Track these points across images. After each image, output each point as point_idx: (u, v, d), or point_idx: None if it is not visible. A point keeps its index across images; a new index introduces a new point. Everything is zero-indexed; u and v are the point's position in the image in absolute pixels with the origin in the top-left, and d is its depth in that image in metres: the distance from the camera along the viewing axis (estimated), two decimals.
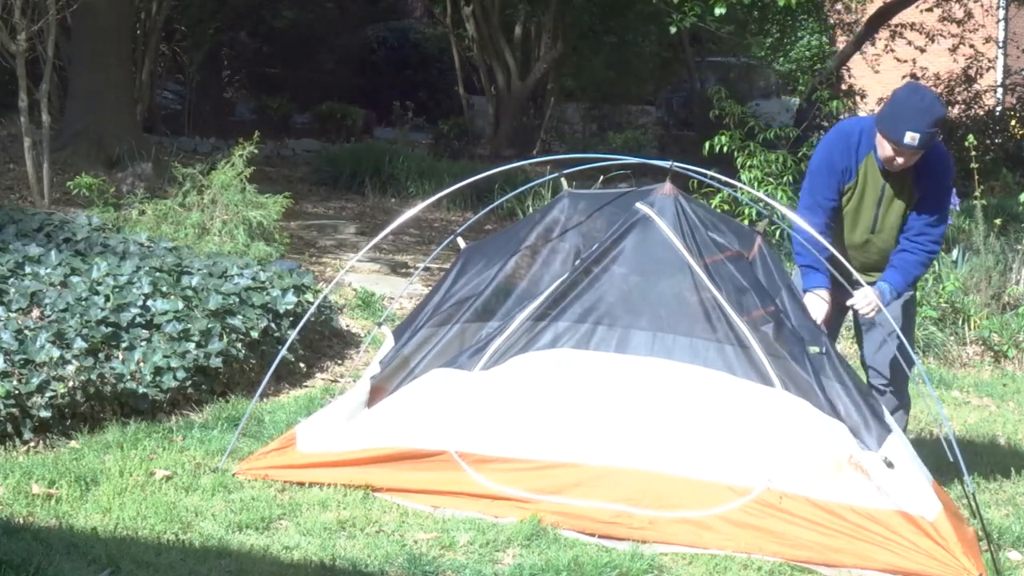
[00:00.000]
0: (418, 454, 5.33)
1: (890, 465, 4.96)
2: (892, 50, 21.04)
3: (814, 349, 5.30)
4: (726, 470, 5.10)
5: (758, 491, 5.03)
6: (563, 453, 5.25)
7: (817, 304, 5.56)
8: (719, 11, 10.17)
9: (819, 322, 5.47)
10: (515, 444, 5.28)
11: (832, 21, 23.29)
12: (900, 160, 5.43)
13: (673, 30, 10.29)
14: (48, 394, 5.76)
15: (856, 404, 5.18)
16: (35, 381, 5.73)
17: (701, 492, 5.08)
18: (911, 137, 5.29)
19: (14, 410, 5.63)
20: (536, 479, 5.23)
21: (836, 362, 5.27)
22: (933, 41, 21.03)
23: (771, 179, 9.51)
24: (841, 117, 18.73)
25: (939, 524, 4.90)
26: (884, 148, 5.45)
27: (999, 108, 20.46)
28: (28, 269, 6.72)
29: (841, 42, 23.11)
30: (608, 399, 5.30)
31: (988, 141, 17.86)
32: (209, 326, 6.71)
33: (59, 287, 6.57)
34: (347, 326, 8.45)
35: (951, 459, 5.07)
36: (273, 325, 7.22)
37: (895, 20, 20.70)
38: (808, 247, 5.53)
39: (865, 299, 5.47)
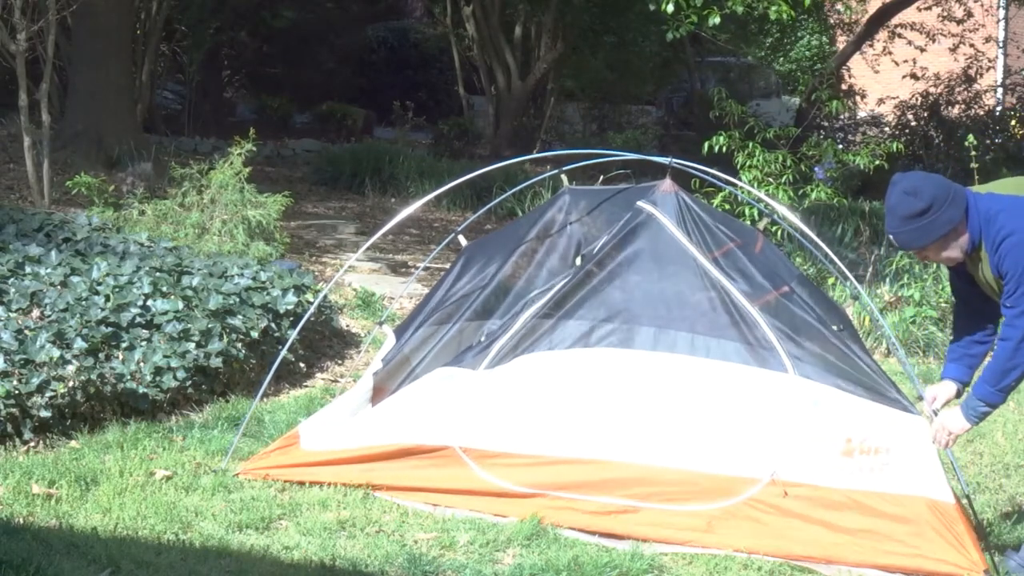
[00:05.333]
0: (422, 450, 5.33)
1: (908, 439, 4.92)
2: (890, 52, 21.05)
3: (833, 327, 5.25)
4: (732, 462, 5.09)
5: (763, 483, 5.03)
6: (568, 448, 5.24)
7: (936, 391, 4.99)
8: (713, 21, 10.21)
9: (930, 407, 4.97)
10: (520, 440, 5.28)
11: (832, 21, 23.31)
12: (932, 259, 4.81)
13: (670, 36, 10.31)
14: (48, 394, 5.76)
15: (874, 384, 5.12)
16: (35, 381, 5.73)
17: (707, 485, 5.08)
18: (891, 239, 4.70)
19: (14, 410, 5.63)
20: (541, 474, 5.23)
21: (854, 345, 5.22)
22: (933, 41, 21.04)
23: (771, 179, 9.50)
24: (842, 117, 18.87)
25: (953, 514, 4.89)
26: None
27: (999, 108, 20.46)
28: (28, 269, 6.71)
29: (841, 42, 23.13)
30: (615, 394, 5.29)
31: (988, 141, 17.86)
32: (209, 326, 6.71)
33: (59, 287, 6.56)
34: (347, 326, 8.44)
35: (949, 459, 5.07)
36: (273, 325, 7.22)
37: (895, 20, 20.71)
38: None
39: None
